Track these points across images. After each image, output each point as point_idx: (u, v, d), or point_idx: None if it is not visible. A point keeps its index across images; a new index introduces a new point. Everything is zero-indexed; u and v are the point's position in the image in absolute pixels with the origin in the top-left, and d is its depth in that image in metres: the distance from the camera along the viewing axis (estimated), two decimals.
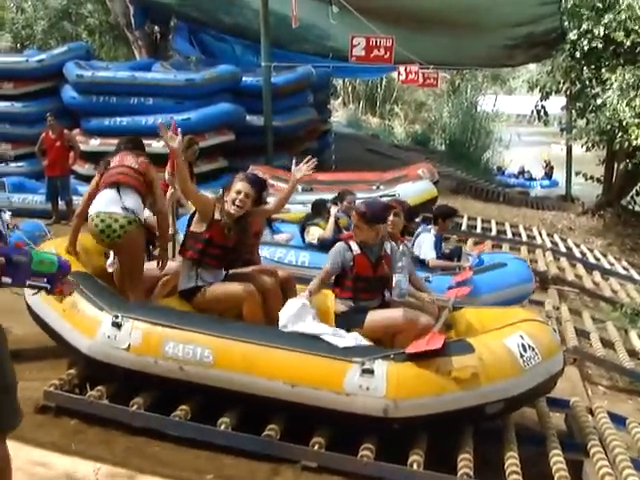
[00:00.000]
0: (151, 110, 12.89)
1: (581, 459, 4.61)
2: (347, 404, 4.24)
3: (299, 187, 11.52)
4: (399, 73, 13.43)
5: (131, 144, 5.64)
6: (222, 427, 4.34)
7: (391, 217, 5.69)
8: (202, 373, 4.46)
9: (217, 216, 4.98)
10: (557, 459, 4.34)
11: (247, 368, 4.39)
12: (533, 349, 4.49)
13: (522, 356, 4.42)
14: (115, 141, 11.96)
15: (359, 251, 4.96)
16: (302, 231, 7.72)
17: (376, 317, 4.91)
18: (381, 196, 9.83)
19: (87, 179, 12.62)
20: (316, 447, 4.21)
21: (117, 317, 4.62)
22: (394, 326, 4.87)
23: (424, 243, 7.50)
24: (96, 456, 4.17)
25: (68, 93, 13.36)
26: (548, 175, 26.37)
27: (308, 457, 4.20)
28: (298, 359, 4.37)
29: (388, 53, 10.33)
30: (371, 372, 4.23)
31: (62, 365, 5.16)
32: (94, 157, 12.74)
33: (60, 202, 10.68)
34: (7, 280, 2.98)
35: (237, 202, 4.96)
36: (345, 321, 4.96)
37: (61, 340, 5.00)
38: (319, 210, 7.75)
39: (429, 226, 7.77)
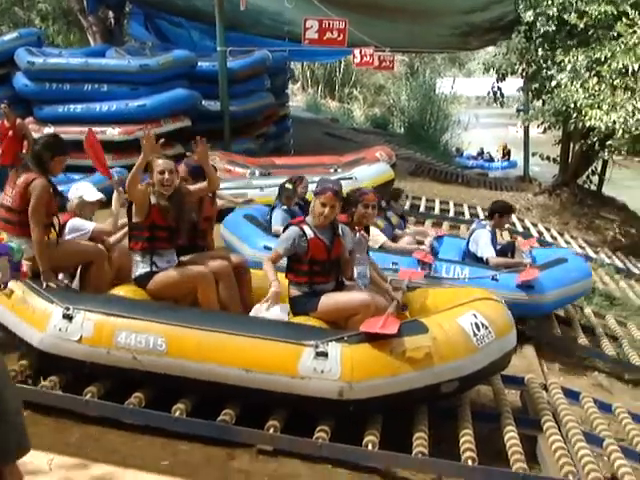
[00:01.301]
0: (105, 97, 12.70)
1: (535, 434, 4.69)
2: (302, 387, 4.24)
3: (256, 171, 11.48)
4: (354, 56, 13.37)
5: (27, 160, 5.21)
6: (177, 413, 4.32)
7: (369, 209, 5.53)
8: (156, 362, 4.42)
9: (153, 201, 4.98)
10: (511, 435, 4.39)
11: (201, 355, 4.36)
12: (486, 327, 4.54)
13: (475, 335, 4.46)
14: (69, 128, 12.01)
15: (313, 235, 4.91)
16: None
17: (330, 300, 4.88)
18: (338, 179, 9.79)
19: None
20: (271, 430, 4.21)
21: (68, 309, 4.56)
22: (349, 309, 4.83)
23: (481, 239, 7.31)
24: (50, 446, 4.11)
25: (20, 80, 13.08)
26: (507, 158, 26.64)
27: (264, 441, 4.19)
28: (251, 344, 4.35)
29: (341, 35, 10.29)
30: (325, 355, 4.22)
31: (15, 358, 5.08)
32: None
33: None
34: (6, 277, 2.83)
35: (164, 182, 4.97)
36: (300, 305, 4.94)
37: (12, 334, 4.92)
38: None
39: (484, 222, 7.62)
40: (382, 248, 7.27)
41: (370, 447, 4.12)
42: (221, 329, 4.42)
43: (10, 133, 10.40)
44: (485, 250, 7.23)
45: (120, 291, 5.07)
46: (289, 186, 7.67)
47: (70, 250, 5.25)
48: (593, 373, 6.73)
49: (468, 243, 7.50)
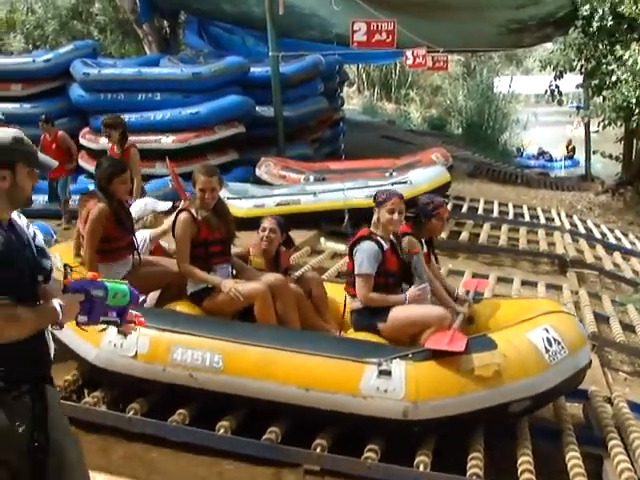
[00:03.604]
0: (159, 105, 12.71)
1: (600, 453, 4.42)
2: (364, 407, 4.08)
3: (311, 177, 11.36)
4: (406, 57, 13.12)
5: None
6: (221, 431, 4.20)
7: (442, 222, 5.46)
8: (212, 379, 4.30)
9: (198, 218, 4.89)
10: (573, 454, 4.16)
11: (259, 373, 4.22)
12: (559, 343, 4.31)
13: (547, 351, 4.24)
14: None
15: (386, 246, 4.78)
16: None
17: (403, 313, 4.67)
18: (393, 183, 9.61)
19: None
20: (318, 450, 4.06)
21: None
22: (422, 323, 4.62)
23: None
24: (92, 465, 3.99)
25: (76, 92, 13.20)
26: (570, 156, 25.94)
27: (310, 460, 4.05)
28: (312, 362, 4.20)
29: (390, 37, 10.03)
30: (388, 373, 4.06)
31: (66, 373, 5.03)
32: (104, 155, 12.68)
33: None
34: (83, 319, 2.68)
35: (205, 199, 4.91)
36: (366, 318, 4.76)
37: (68, 349, 4.84)
38: None
39: None
40: None
41: (422, 468, 3.94)
42: (280, 346, 4.28)
43: (53, 146, 10.45)
44: None
45: (176, 306, 4.95)
46: None
47: (151, 273, 5.19)
48: None
49: None
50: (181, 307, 4.93)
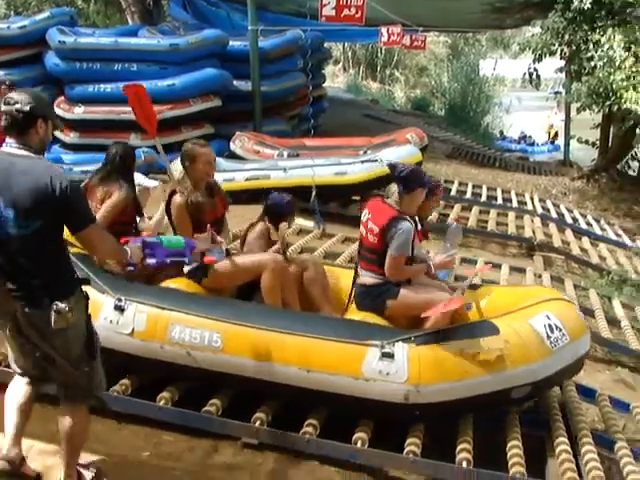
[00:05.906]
0: (135, 76, 12.47)
1: (543, 435, 4.45)
2: (366, 390, 4.04)
3: (284, 153, 11.28)
4: (381, 34, 12.99)
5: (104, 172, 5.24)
6: (161, 402, 4.17)
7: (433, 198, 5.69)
8: (211, 358, 4.21)
9: (189, 202, 4.75)
10: (513, 435, 4.17)
11: (259, 353, 4.15)
12: (560, 330, 4.32)
13: (549, 337, 4.25)
14: (99, 108, 11.88)
15: (415, 227, 4.74)
16: None
17: (414, 292, 4.63)
18: (363, 161, 9.57)
19: (72, 147, 12.47)
20: (257, 423, 4.04)
21: (120, 300, 4.36)
22: (430, 304, 4.49)
23: None
24: (34, 433, 3.99)
25: (51, 60, 13.01)
26: (552, 140, 25.98)
27: (248, 434, 4.04)
28: (314, 343, 4.13)
29: (359, 12, 9.87)
30: (391, 356, 4.01)
31: None
32: (79, 125, 12.55)
33: None
34: (151, 261, 3.45)
35: (209, 173, 4.85)
36: (374, 295, 4.69)
37: None
38: None
39: None
40: None
41: (359, 444, 3.93)
42: (282, 326, 4.20)
43: None
44: None
45: (173, 284, 4.80)
46: None
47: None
48: (616, 368, 6.43)
49: None
50: (178, 284, 4.79)
